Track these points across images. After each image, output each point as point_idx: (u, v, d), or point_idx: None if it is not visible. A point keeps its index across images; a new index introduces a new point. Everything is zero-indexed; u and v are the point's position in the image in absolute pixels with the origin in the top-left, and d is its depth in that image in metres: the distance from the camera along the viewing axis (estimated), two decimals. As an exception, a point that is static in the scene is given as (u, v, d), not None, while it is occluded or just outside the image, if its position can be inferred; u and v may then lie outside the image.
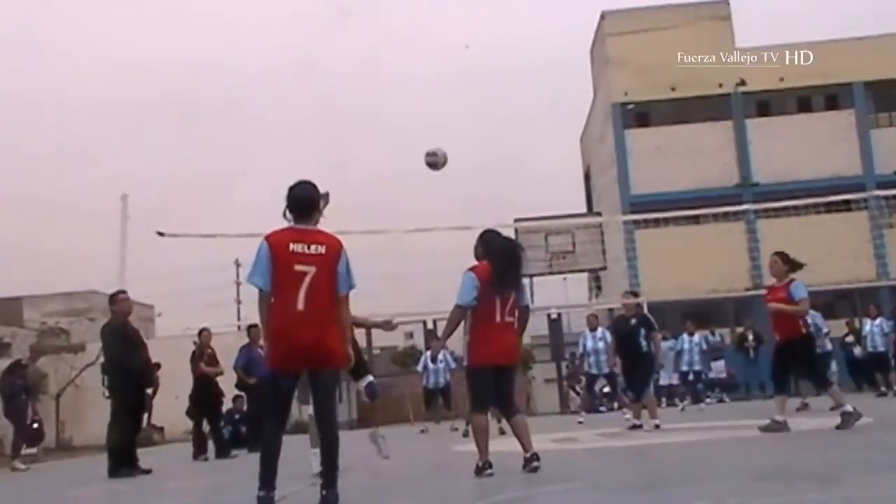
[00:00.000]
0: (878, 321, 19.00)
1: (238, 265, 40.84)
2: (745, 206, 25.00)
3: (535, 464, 6.57)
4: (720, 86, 32.67)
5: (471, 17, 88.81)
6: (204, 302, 43.83)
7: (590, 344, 15.03)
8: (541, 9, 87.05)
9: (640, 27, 32.85)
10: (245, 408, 15.27)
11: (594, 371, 15.22)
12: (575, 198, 42.66)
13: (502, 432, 10.38)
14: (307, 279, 5.23)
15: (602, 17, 34.74)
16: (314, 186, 5.60)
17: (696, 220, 26.27)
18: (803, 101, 33.78)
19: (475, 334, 6.76)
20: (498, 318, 6.72)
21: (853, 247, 26.78)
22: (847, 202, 25.44)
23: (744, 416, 12.30)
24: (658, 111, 33.73)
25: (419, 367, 18.48)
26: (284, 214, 5.49)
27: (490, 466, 6.57)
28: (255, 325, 14.19)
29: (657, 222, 25.55)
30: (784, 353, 9.43)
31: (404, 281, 22.59)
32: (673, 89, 32.48)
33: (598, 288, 31.62)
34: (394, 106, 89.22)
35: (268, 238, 5.34)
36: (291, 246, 5.28)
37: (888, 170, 31.11)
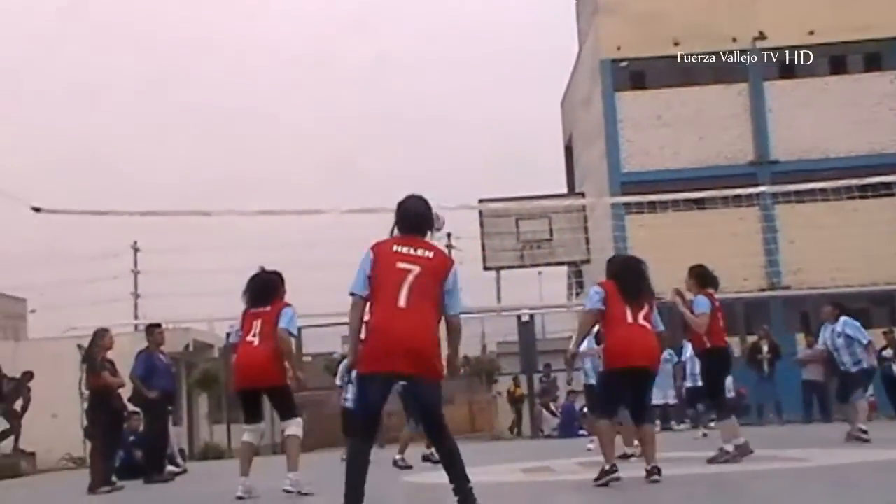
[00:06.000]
0: None
1: (136, 250, 38.21)
2: (761, 188, 25.39)
3: (656, 477, 7.49)
4: (734, 40, 31.02)
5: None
6: (90, 296, 40.98)
7: None
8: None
9: (639, -33, 31.68)
10: (141, 428, 14.36)
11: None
12: (554, 175, 41.62)
13: (427, 459, 11.51)
14: (410, 277, 5.62)
15: (592, -46, 33.21)
16: (426, 202, 6.05)
17: (701, 203, 27.25)
18: (837, 60, 32.30)
19: (609, 338, 7.82)
20: (630, 319, 7.62)
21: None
22: (888, 185, 24.93)
23: (758, 445, 11.05)
24: (657, 71, 32.25)
25: (337, 381, 16.44)
26: (392, 232, 5.98)
27: (615, 470, 7.36)
28: (156, 325, 14.28)
29: (653, 206, 26.61)
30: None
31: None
32: (676, 44, 30.72)
33: (580, 285, 29.41)
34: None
35: (372, 246, 5.85)
36: (395, 247, 5.77)
37: (941, 144, 30.60)
